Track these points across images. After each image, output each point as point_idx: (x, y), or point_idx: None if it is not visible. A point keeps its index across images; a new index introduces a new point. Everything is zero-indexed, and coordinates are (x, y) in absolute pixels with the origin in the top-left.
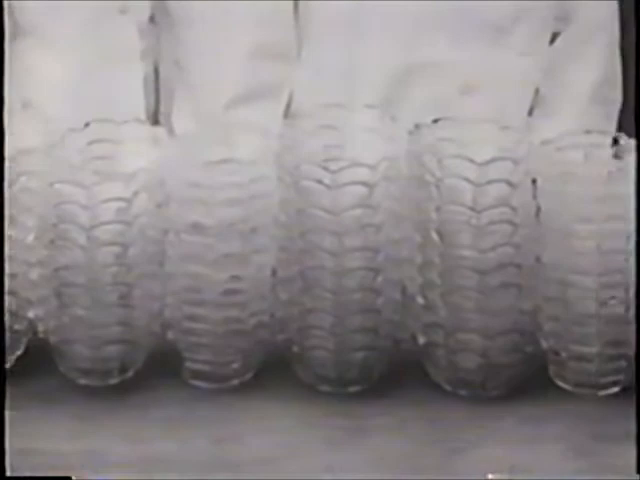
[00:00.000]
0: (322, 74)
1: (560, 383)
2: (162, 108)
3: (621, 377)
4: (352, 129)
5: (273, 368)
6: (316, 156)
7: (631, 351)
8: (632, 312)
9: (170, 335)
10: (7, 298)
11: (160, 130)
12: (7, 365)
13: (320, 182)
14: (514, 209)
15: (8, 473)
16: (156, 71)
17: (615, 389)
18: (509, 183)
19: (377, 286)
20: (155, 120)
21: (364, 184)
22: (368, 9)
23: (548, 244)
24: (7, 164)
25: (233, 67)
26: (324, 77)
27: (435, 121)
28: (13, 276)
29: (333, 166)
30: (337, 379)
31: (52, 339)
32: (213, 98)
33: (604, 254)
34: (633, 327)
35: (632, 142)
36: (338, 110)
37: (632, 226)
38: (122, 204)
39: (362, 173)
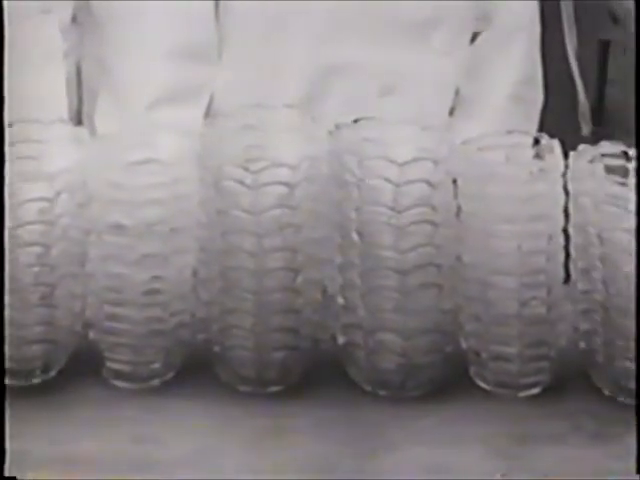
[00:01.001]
0: (243, 74)
1: (480, 383)
2: (85, 108)
3: (542, 378)
4: (273, 129)
5: (194, 368)
6: (237, 156)
7: (552, 352)
8: (553, 313)
9: (92, 335)
10: None
11: (82, 130)
12: None
13: (241, 182)
14: (434, 209)
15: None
16: (79, 71)
17: (536, 390)
18: (429, 183)
19: (297, 286)
20: (78, 120)
21: (285, 184)
22: (289, 9)
23: (469, 244)
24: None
25: (155, 67)
26: (245, 77)
27: (356, 121)
28: None
29: (254, 166)
30: (257, 379)
31: None
32: (135, 98)
33: (525, 254)
34: (554, 328)
35: (553, 142)
36: (259, 110)
37: (554, 226)
38: (45, 204)
39: (283, 173)
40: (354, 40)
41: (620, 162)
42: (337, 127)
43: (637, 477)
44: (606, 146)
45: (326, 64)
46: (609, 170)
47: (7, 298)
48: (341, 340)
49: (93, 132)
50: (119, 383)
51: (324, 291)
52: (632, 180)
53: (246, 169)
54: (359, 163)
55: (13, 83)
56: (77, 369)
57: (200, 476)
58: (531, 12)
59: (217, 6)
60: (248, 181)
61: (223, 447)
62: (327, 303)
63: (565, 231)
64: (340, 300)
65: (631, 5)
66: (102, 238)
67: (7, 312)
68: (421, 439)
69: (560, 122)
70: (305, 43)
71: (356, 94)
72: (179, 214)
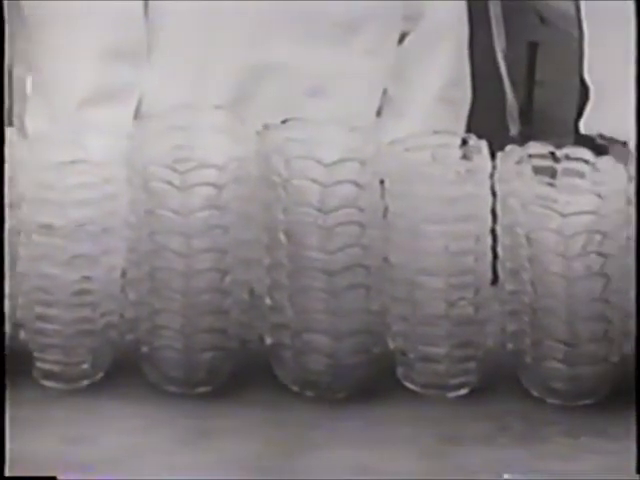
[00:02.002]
0: (172, 75)
1: (408, 384)
2: (15, 109)
3: (470, 379)
4: (201, 130)
5: (122, 368)
6: (165, 157)
7: (480, 352)
8: (481, 313)
9: (22, 335)
10: None
11: (12, 131)
12: None
13: (169, 183)
14: (362, 210)
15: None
16: (9, 72)
17: (464, 391)
18: (357, 184)
19: (225, 287)
20: (9, 121)
21: (213, 185)
22: (217, 9)
23: (396, 245)
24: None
25: (84, 68)
26: (174, 78)
27: (283, 122)
28: None
29: (182, 167)
30: (185, 380)
31: None
32: (65, 99)
33: (453, 255)
34: (482, 328)
35: (481, 142)
36: (187, 111)
37: (481, 227)
38: None
39: (211, 174)
40: (283, 40)
41: (548, 163)
42: (265, 128)
43: (637, 477)
44: (534, 147)
45: (255, 64)
46: (537, 171)
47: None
48: (269, 341)
49: (23, 132)
50: (49, 383)
51: (252, 292)
52: (560, 181)
53: (174, 170)
54: (286, 164)
55: None
56: (7, 370)
57: (129, 476)
58: (459, 12)
59: (146, 6)
60: (176, 182)
61: (151, 447)
62: (255, 304)
63: (493, 232)
64: (268, 301)
65: (559, 5)
66: (31, 238)
67: None
68: (349, 440)
69: (488, 123)
70: (235, 43)
71: (285, 94)
72: (108, 215)
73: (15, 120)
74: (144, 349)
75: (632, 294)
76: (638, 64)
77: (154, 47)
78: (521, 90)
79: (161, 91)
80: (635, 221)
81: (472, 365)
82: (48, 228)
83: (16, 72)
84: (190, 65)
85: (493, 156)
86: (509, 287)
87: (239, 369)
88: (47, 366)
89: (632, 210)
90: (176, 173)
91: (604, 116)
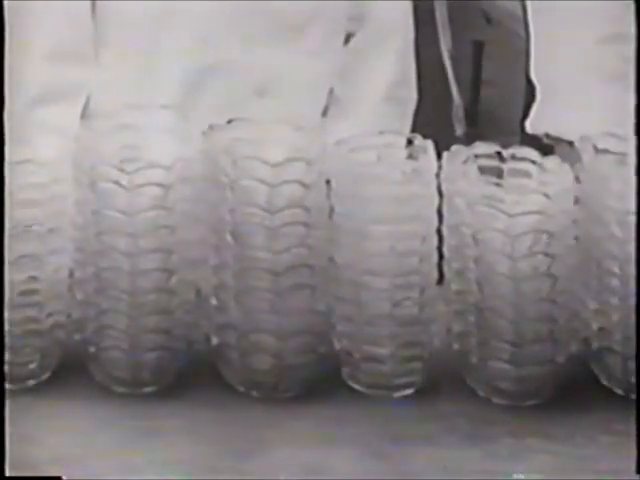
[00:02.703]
0: (120, 75)
1: (353, 385)
2: None
3: (415, 379)
4: (149, 130)
5: (70, 368)
6: (112, 157)
7: (425, 353)
8: (426, 313)
9: None
10: None
11: None
12: None
13: (116, 183)
14: (308, 210)
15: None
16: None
17: (409, 391)
18: (303, 184)
19: (171, 287)
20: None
21: (159, 185)
22: (165, 9)
23: (341, 245)
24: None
25: (32, 68)
26: (122, 77)
27: (229, 122)
28: None
29: (129, 167)
30: (131, 380)
31: None
32: (13, 99)
33: (398, 255)
34: (427, 328)
35: (427, 142)
36: (135, 111)
37: (427, 227)
38: None
39: (158, 174)
40: (231, 41)
41: (494, 163)
42: (211, 128)
43: (637, 477)
44: (480, 147)
45: (203, 64)
46: (483, 171)
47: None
48: (215, 341)
49: None
50: None
51: (198, 292)
52: (507, 181)
53: (121, 170)
54: (233, 164)
55: None
56: None
57: (76, 476)
58: (404, 12)
59: (94, 6)
60: (123, 182)
61: (98, 447)
62: (201, 304)
63: (439, 232)
64: (214, 301)
65: (505, 5)
66: None
67: None
68: (295, 440)
69: (434, 122)
70: (182, 43)
71: (232, 94)
72: (55, 214)
73: None
74: (91, 349)
75: (579, 294)
76: (638, 64)
77: (102, 47)
78: (467, 90)
79: (109, 91)
80: (635, 221)
81: (417, 365)
82: None
83: None
84: (138, 65)
85: (439, 156)
86: (455, 287)
87: (185, 369)
88: None
89: (578, 210)
90: (123, 173)
91: (551, 116)
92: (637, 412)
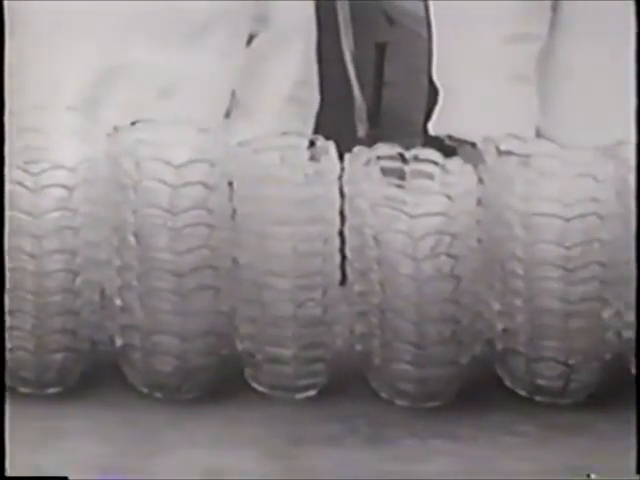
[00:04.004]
0: (25, 75)
1: (256, 386)
2: None
3: (318, 380)
4: (53, 131)
5: None
6: (17, 158)
7: (328, 354)
8: (329, 314)
9: None
10: None
11: None
12: None
13: (21, 184)
14: (210, 211)
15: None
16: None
17: (312, 392)
18: (206, 185)
19: (76, 288)
20: None
21: (64, 187)
22: (69, 9)
23: (244, 246)
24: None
25: None
26: (28, 78)
27: (133, 123)
28: None
29: (34, 168)
30: (36, 381)
31: None
32: None
33: (301, 256)
34: (330, 329)
35: (329, 144)
36: (40, 112)
37: (329, 228)
38: None
39: (62, 175)
40: (136, 42)
41: (396, 164)
42: (115, 129)
43: (637, 477)
44: (382, 148)
45: (106, 65)
46: (385, 172)
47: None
48: (119, 342)
49: None
50: None
51: (102, 293)
52: (409, 182)
53: (26, 171)
54: (136, 165)
55: None
56: None
57: None
58: (307, 14)
59: (0, 6)
60: (28, 183)
61: (3, 448)
62: (105, 305)
63: (341, 233)
64: (118, 302)
65: (407, 6)
66: None
67: None
68: (198, 441)
69: (336, 124)
70: (86, 44)
71: (135, 96)
72: None
73: None
74: None
75: (482, 296)
76: (638, 64)
77: (9, 46)
78: (369, 91)
79: (15, 92)
80: (635, 221)
81: (320, 366)
82: None
83: None
84: (43, 66)
85: (341, 157)
86: (357, 288)
87: (90, 370)
88: None
89: (481, 211)
90: (27, 174)
91: (453, 117)
92: (637, 412)
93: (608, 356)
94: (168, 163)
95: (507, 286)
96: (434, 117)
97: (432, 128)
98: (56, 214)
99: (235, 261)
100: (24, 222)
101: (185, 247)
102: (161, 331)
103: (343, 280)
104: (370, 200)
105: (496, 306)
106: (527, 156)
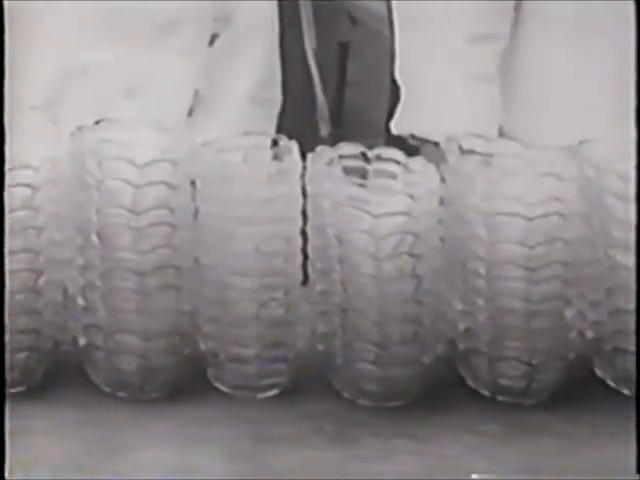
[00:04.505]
0: None
1: (219, 385)
2: None
3: (280, 380)
4: (17, 131)
5: None
6: None
7: (291, 354)
8: (291, 314)
9: None
10: None
11: None
12: None
13: None
14: (173, 211)
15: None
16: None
17: (274, 392)
18: (169, 185)
19: (39, 287)
20: None
21: (27, 186)
22: (35, 8)
23: (207, 246)
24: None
25: None
26: None
27: (97, 123)
28: None
29: None
30: None
31: None
32: None
33: (263, 256)
34: (292, 329)
35: (291, 143)
36: (3, 112)
37: (292, 228)
38: None
39: (26, 175)
40: (100, 41)
41: (359, 163)
42: (78, 129)
43: (637, 477)
44: (345, 147)
45: (70, 65)
46: (348, 171)
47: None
48: (82, 341)
49: None
50: None
51: (65, 292)
52: (371, 181)
53: None
54: (99, 165)
55: None
56: None
57: None
58: (269, 13)
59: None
60: None
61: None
62: (68, 304)
63: (303, 233)
64: (81, 301)
65: (370, 5)
66: None
67: None
68: (160, 440)
69: (298, 123)
70: (50, 44)
71: (99, 95)
72: None
73: None
74: None
75: (445, 295)
76: (638, 64)
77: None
78: (332, 91)
79: None
80: (635, 221)
81: (282, 366)
82: None
83: None
84: (7, 65)
85: (304, 157)
86: (319, 288)
87: (53, 369)
88: None
89: (443, 211)
90: None
91: (416, 116)
92: (637, 412)
93: (572, 356)
94: (131, 162)
95: (469, 286)
96: (397, 116)
97: (395, 127)
98: (20, 213)
99: (198, 260)
100: None
101: (148, 246)
102: (124, 330)
103: (305, 280)
104: (332, 199)
105: (458, 306)
106: (490, 155)
